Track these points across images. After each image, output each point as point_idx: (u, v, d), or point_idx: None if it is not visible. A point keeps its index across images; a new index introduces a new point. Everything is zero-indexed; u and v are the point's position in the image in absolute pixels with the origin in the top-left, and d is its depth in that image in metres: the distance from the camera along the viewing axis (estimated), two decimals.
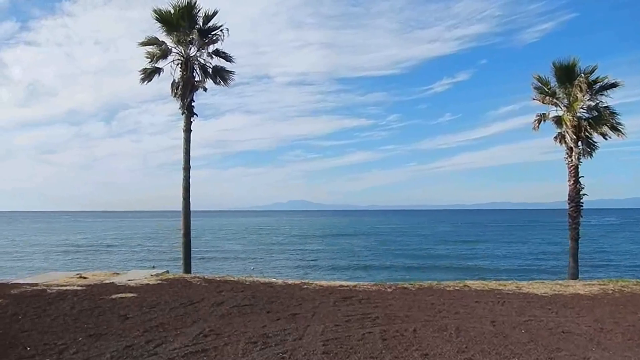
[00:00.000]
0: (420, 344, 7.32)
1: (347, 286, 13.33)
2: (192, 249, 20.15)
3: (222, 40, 18.61)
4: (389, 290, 12.61)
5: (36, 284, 13.32)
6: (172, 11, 17.95)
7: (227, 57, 19.05)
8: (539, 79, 19.50)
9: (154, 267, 21.80)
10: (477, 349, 7.08)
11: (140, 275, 15.27)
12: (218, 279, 14.84)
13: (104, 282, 14.00)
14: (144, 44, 18.61)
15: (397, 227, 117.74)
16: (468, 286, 13.11)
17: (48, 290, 12.19)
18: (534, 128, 19.77)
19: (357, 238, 75.71)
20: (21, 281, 14.25)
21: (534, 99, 19.89)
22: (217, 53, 18.92)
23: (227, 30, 18.45)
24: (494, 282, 14.39)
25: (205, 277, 15.47)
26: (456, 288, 12.83)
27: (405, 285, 13.32)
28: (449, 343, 7.37)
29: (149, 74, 18.78)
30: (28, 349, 7.05)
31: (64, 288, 12.64)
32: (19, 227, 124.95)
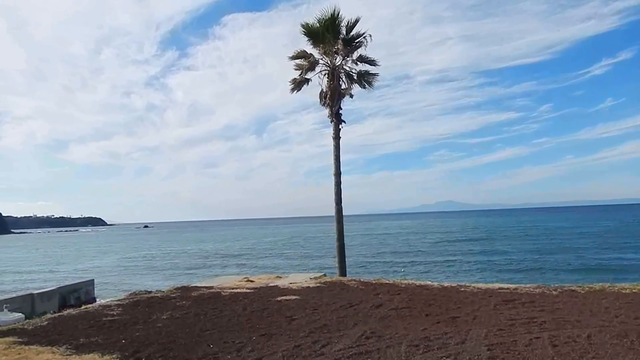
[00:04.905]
0: (597, 351, 6.76)
1: (507, 289, 12.77)
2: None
3: (366, 46, 18.91)
4: (554, 293, 11.84)
5: (212, 287, 14.85)
6: (318, 25, 18.74)
7: (371, 62, 19.24)
8: None
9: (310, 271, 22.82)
10: None
11: (300, 279, 16.18)
12: (373, 281, 15.13)
13: (269, 284, 15.11)
14: (293, 57, 19.67)
15: (554, 225, 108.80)
16: None
17: (222, 293, 13.54)
18: None
19: (510, 239, 71.40)
20: (199, 284, 15.97)
21: None
22: (362, 59, 19.20)
23: (370, 36, 18.70)
24: None
25: (361, 279, 15.88)
26: (634, 291, 11.61)
27: (572, 288, 12.41)
28: (631, 351, 6.69)
29: (298, 84, 19.77)
30: (211, 346, 7.90)
31: (235, 291, 13.92)
32: (190, 236, 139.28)
